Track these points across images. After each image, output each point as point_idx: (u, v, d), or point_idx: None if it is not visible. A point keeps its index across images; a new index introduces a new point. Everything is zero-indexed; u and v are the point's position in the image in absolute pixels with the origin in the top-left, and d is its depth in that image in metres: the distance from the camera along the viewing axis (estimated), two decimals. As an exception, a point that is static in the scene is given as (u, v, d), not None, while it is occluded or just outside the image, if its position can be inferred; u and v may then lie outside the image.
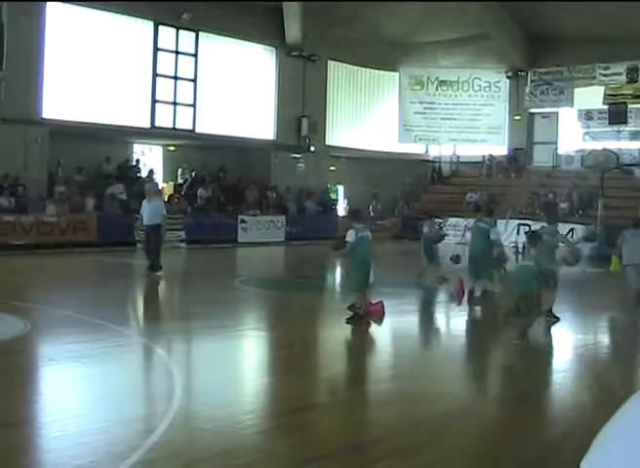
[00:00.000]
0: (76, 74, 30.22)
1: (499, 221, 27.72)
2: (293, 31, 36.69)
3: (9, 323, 12.84)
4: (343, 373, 10.79)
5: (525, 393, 9.80)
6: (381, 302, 14.40)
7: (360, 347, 12.89)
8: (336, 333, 13.82)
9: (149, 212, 20.66)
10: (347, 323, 13.53)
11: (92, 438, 7.33)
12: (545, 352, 12.93)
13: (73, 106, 30.13)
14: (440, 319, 16.62)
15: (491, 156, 42.90)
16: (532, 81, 41.36)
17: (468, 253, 18.02)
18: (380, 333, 14.08)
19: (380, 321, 14.11)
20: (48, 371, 10.31)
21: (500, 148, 43.07)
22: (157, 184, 21.87)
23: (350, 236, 13.88)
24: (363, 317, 13.79)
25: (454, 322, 16.01)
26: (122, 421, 7.95)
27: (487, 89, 43.04)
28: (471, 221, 19.75)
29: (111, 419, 8.00)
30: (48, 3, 29.24)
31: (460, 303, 16.96)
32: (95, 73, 30.78)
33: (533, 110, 42.29)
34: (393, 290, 17.76)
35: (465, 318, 16.12)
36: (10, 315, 13.46)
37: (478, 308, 16.69)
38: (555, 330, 14.04)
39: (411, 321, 15.72)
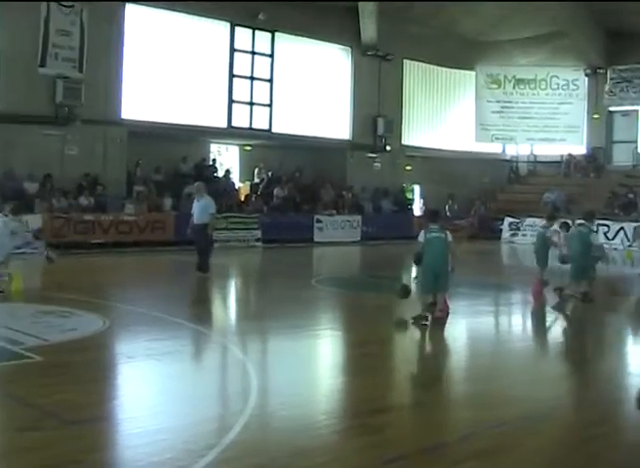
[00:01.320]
0: (154, 75, 30.61)
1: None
2: (368, 31, 36.61)
3: (88, 320, 13.04)
4: (420, 374, 10.71)
5: (607, 396, 9.62)
6: (446, 301, 14.30)
7: (436, 347, 12.80)
8: (411, 333, 13.73)
9: (199, 210, 20.40)
10: (412, 323, 13.44)
11: (169, 435, 7.38)
12: (628, 354, 12.71)
13: (151, 107, 30.52)
14: (518, 320, 16.40)
15: (569, 155, 42.27)
16: (611, 78, 40.68)
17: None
18: (457, 334, 13.96)
19: (444, 321, 14.01)
20: (126, 369, 10.43)
21: (578, 147, 42.42)
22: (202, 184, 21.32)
23: (421, 236, 13.83)
24: (433, 318, 13.65)
25: (534, 323, 15.78)
26: (198, 419, 7.99)
27: (565, 87, 42.46)
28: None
29: (188, 417, 8.05)
30: (127, 6, 29.64)
31: (537, 304, 16.78)
32: (172, 74, 31.15)
33: (612, 108, 41.58)
34: (469, 290, 17.60)
35: (550, 319, 15.92)
36: (89, 312, 13.66)
37: (570, 308, 16.44)
38: None
39: (488, 322, 15.55)
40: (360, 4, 35.35)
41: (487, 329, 14.87)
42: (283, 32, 34.76)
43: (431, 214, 15.43)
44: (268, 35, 34.41)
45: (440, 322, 13.81)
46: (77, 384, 9.13)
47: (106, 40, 28.87)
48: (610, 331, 14.71)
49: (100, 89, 28.50)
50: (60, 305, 14.28)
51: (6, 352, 10.52)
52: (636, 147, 40.77)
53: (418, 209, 40.20)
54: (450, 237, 14.06)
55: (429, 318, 13.60)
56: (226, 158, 36.48)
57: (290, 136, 34.94)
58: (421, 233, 13.93)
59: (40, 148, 27.36)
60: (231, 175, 34.42)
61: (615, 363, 11.86)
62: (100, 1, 28.24)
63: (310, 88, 35.99)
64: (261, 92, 34.38)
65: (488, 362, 11.66)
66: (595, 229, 19.45)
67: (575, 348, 13.20)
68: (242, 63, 33.68)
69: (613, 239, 32.58)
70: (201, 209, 20.32)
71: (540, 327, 15.29)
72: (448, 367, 11.35)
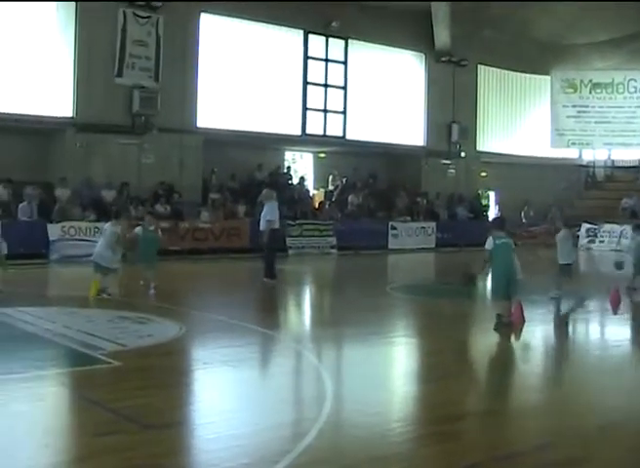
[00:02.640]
0: (229, 84, 30.89)
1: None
2: (442, 36, 36.48)
3: (165, 326, 13.18)
4: (494, 381, 10.60)
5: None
6: (521, 309, 14.16)
7: (511, 355, 12.65)
8: (486, 341, 13.60)
9: (261, 217, 20.58)
10: (494, 330, 13.35)
11: (244, 441, 7.41)
12: None
13: (226, 115, 30.80)
14: (595, 328, 16.14)
15: (648, 160, 41.57)
16: (691, 81, 39.93)
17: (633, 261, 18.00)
18: (532, 341, 13.80)
19: (520, 329, 13.88)
20: (202, 375, 10.51)
21: (657, 152, 41.71)
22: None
23: (488, 244, 13.87)
24: (508, 325, 13.56)
25: (609, 330, 15.52)
26: (273, 425, 8.00)
27: (643, 90, 41.77)
28: (627, 228, 19.28)
29: (262, 423, 8.07)
30: (202, 15, 29.99)
31: (616, 312, 16.54)
32: (247, 82, 31.40)
33: (692, 112, 40.81)
34: (545, 298, 17.39)
35: (624, 326, 15.66)
36: (166, 319, 13.81)
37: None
38: None
39: (563, 329, 15.33)
40: (433, 10, 35.22)
41: (563, 336, 14.66)
42: (356, 39, 34.83)
43: (498, 222, 15.50)
44: (342, 42, 34.50)
45: (514, 328, 13.69)
46: (155, 389, 9.23)
47: (181, 49, 29.27)
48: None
49: (176, 98, 28.88)
50: (137, 311, 14.49)
51: (85, 357, 10.69)
52: None
53: (493, 215, 39.86)
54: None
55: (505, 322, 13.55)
56: (301, 165, 36.63)
57: (364, 142, 34.96)
58: (489, 240, 13.88)
59: (117, 157, 27.83)
60: (305, 183, 34.58)
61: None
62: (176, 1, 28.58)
63: (384, 94, 35.97)
64: (335, 99, 34.46)
65: (563, 370, 11.50)
66: None
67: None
68: (316, 71, 33.82)
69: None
70: (262, 216, 20.48)
71: (618, 334, 15.02)
72: (523, 374, 11.21)
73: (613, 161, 43.33)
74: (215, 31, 30.66)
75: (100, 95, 27.33)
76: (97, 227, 25.18)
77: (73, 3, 27.08)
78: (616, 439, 7.90)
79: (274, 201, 20.82)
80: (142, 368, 10.35)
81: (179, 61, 29.18)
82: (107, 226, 17.09)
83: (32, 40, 26.46)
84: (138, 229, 18.08)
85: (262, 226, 20.29)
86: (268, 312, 15.94)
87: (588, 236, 36.62)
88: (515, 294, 13.87)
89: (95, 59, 27.31)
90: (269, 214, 20.34)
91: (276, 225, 20.43)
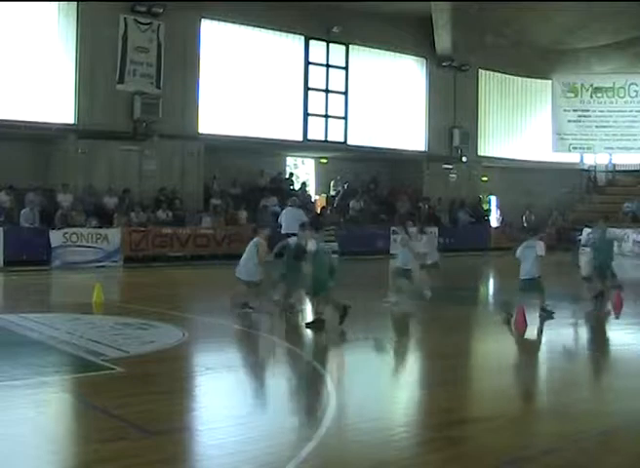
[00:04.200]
0: (230, 90, 30.91)
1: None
2: (443, 41, 36.50)
3: (167, 332, 13.18)
4: (498, 386, 10.58)
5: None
6: (524, 313, 14.22)
7: (514, 360, 12.63)
8: (490, 345, 13.62)
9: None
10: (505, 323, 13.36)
11: (247, 447, 7.40)
12: None
13: (228, 121, 30.83)
14: (599, 332, 16.11)
15: (649, 164, 41.59)
16: (692, 85, 39.96)
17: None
18: (537, 346, 13.80)
19: (522, 331, 13.95)
20: (205, 380, 10.50)
21: (659, 156, 41.73)
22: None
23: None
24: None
25: (616, 335, 15.48)
26: (276, 431, 8.00)
27: (644, 95, 41.79)
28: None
29: (266, 429, 8.06)
30: (203, 21, 30.03)
31: (618, 316, 16.54)
32: (248, 88, 31.45)
33: (694, 115, 40.83)
34: (549, 302, 17.35)
35: (632, 331, 15.65)
36: (168, 324, 13.81)
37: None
38: None
39: (568, 333, 15.31)
40: (434, 14, 35.24)
41: (567, 340, 14.64)
42: (357, 45, 34.88)
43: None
44: (343, 48, 34.54)
45: (518, 333, 13.76)
46: (158, 395, 9.23)
47: (183, 56, 29.32)
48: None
49: (177, 104, 28.93)
50: (139, 317, 14.48)
51: (88, 363, 10.70)
52: None
53: (495, 220, 39.87)
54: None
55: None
56: (302, 171, 36.67)
57: (365, 148, 34.99)
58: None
59: (119, 163, 27.88)
60: (307, 188, 34.59)
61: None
62: (180, 1, 28.60)
63: (385, 100, 35.99)
64: (337, 104, 34.50)
65: (569, 374, 11.48)
66: None
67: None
68: (317, 76, 33.86)
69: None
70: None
71: (622, 338, 15.00)
72: (528, 379, 11.19)
73: (614, 165, 43.34)
74: (216, 37, 30.70)
75: (101, 101, 27.38)
76: (99, 234, 25.26)
77: (75, 10, 27.11)
78: (621, 444, 7.89)
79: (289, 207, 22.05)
80: (145, 374, 10.35)
81: (180, 68, 29.23)
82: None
83: (34, 47, 26.51)
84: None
85: None
86: (270, 317, 15.91)
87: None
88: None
89: (96, 66, 27.37)
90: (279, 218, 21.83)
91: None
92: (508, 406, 9.37)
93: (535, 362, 12.58)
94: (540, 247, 15.44)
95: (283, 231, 21.86)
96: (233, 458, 7.06)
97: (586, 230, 36.65)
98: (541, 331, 14.81)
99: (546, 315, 15.41)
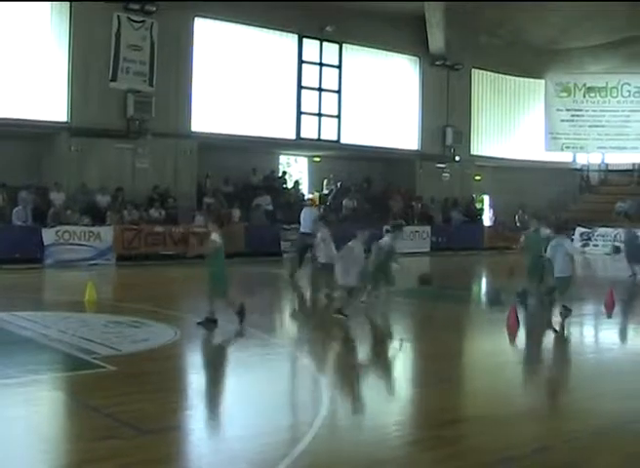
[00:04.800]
0: (223, 88, 30.90)
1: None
2: (436, 40, 36.52)
3: (160, 331, 13.16)
4: (491, 386, 10.58)
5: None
6: (516, 314, 14.24)
7: (508, 359, 12.63)
8: (483, 345, 13.63)
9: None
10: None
11: (240, 445, 7.40)
12: None
13: (221, 120, 30.80)
14: (590, 331, 16.13)
15: (642, 164, 41.68)
16: (685, 84, 40.05)
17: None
18: (529, 345, 13.82)
19: (514, 331, 13.98)
20: (198, 379, 10.50)
21: (651, 156, 41.82)
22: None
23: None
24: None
25: (608, 334, 15.50)
26: (269, 430, 7.99)
27: (637, 94, 41.93)
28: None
29: (259, 427, 8.05)
30: (196, 20, 29.99)
31: (610, 316, 16.58)
32: (241, 87, 31.42)
33: (686, 115, 40.93)
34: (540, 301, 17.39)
35: (623, 330, 15.69)
36: (161, 323, 13.80)
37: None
38: None
39: (559, 333, 15.33)
40: (427, 14, 35.24)
41: (559, 340, 14.66)
42: (350, 43, 34.87)
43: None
44: (336, 46, 34.54)
45: (510, 333, 13.81)
46: (150, 394, 9.21)
47: (176, 54, 29.28)
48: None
49: (171, 102, 28.91)
50: (132, 316, 14.45)
51: (80, 362, 10.68)
52: None
53: (488, 219, 39.90)
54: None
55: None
56: (295, 169, 36.66)
57: (358, 146, 34.97)
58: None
59: (112, 162, 27.83)
60: (300, 187, 34.57)
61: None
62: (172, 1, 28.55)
63: (378, 98, 35.99)
64: (330, 103, 34.49)
65: (560, 373, 11.50)
66: None
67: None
68: (310, 75, 33.85)
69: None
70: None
71: (615, 338, 15.02)
72: (518, 378, 11.20)
73: (607, 165, 43.42)
74: (209, 35, 30.68)
75: (94, 99, 27.33)
76: (91, 232, 25.21)
77: (67, 8, 27.07)
78: (612, 444, 7.90)
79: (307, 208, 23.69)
80: (138, 372, 10.33)
81: (173, 66, 29.19)
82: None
83: (27, 45, 26.45)
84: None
85: None
86: (264, 316, 15.90)
87: (582, 240, 36.66)
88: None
89: (89, 64, 27.31)
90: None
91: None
92: (501, 405, 9.37)
93: (528, 361, 12.59)
94: (569, 244, 15.82)
95: (301, 230, 22.87)
96: (225, 456, 7.07)
97: (579, 230, 36.91)
98: (564, 328, 14.98)
99: (567, 313, 15.56)
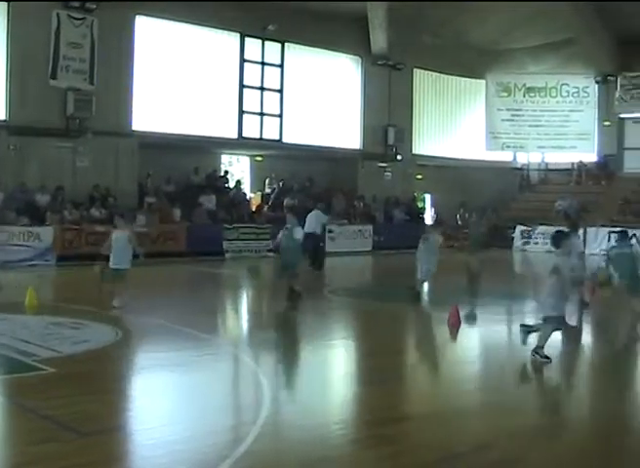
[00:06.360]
0: (165, 87, 30.69)
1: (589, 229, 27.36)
2: (378, 40, 36.62)
3: (101, 331, 13.05)
4: (435, 384, 10.66)
5: (633, 407, 9.58)
6: (457, 312, 14.36)
7: (449, 357, 12.72)
8: (425, 343, 13.72)
9: None
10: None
11: (182, 446, 7.36)
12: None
13: (162, 118, 30.58)
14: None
15: (580, 163, 42.18)
16: (621, 85, 40.66)
17: None
18: (470, 343, 13.94)
19: (456, 330, 14.10)
20: (139, 380, 10.42)
21: (589, 155, 42.37)
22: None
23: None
24: None
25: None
26: (212, 430, 7.96)
27: (575, 94, 42.43)
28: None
29: (201, 428, 8.02)
30: (137, 17, 29.74)
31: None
32: (183, 85, 31.21)
33: (623, 115, 41.54)
34: (483, 299, 17.54)
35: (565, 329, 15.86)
36: (102, 324, 13.66)
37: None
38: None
39: (501, 330, 15.47)
40: (370, 13, 35.35)
41: (500, 338, 14.79)
42: (293, 43, 34.83)
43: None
44: (278, 46, 34.48)
45: (453, 330, 13.88)
46: (91, 395, 9.12)
47: (117, 52, 28.98)
48: (626, 336, 14.66)
49: (111, 101, 28.60)
50: (73, 317, 14.29)
51: (19, 364, 10.53)
52: (648, 154, 40.68)
53: (429, 218, 40.12)
54: None
55: None
56: (237, 168, 36.54)
57: (300, 145, 34.96)
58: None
59: (52, 160, 27.47)
60: (242, 186, 34.48)
61: (635, 369, 11.80)
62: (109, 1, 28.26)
63: (321, 98, 36.02)
64: (272, 102, 34.43)
65: (501, 371, 11.60)
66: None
67: (590, 358, 13.14)
68: (252, 74, 33.75)
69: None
70: None
71: (555, 335, 15.16)
72: (461, 376, 11.27)
73: (547, 164, 43.89)
74: (151, 34, 30.40)
75: (33, 97, 26.94)
76: (30, 232, 24.88)
77: (4, 5, 26.66)
78: (554, 439, 7.99)
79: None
80: (78, 374, 10.22)
81: (114, 64, 28.88)
82: None
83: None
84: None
85: None
86: (206, 316, 15.84)
87: (523, 238, 37.08)
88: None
89: (28, 61, 26.92)
90: None
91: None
92: (444, 403, 9.44)
93: (470, 359, 12.68)
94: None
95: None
96: (167, 459, 7.02)
97: (519, 228, 37.30)
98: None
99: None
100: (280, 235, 18.15)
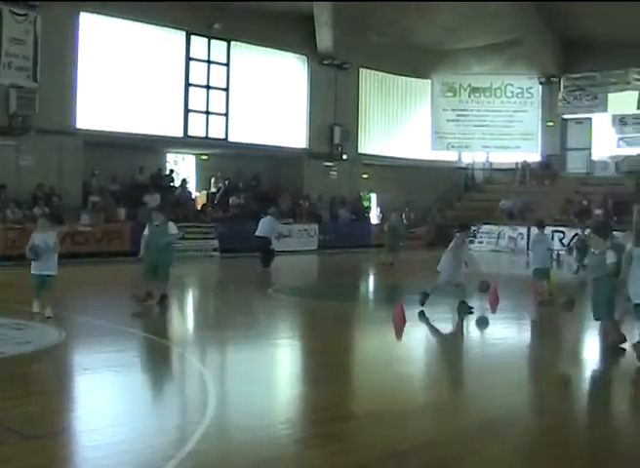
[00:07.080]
0: (110, 84, 30.46)
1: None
2: (324, 39, 36.71)
3: (44, 332, 12.89)
4: (380, 382, 10.70)
5: (572, 404, 9.71)
6: (402, 310, 14.47)
7: (394, 356, 12.78)
8: (371, 342, 13.77)
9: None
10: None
11: (126, 447, 7.32)
12: (596, 360, 12.79)
13: (107, 116, 30.36)
14: (475, 328, 16.42)
15: (524, 163, 42.68)
16: (565, 87, 41.21)
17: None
18: (416, 342, 14.02)
19: (401, 328, 14.19)
20: (83, 381, 10.32)
21: (533, 155, 42.95)
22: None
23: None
24: None
25: (493, 331, 15.80)
26: (156, 431, 7.93)
27: (520, 95, 42.94)
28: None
29: (146, 429, 7.99)
30: (82, 14, 29.45)
31: (494, 311, 16.96)
32: (128, 83, 31.03)
33: (566, 116, 42.13)
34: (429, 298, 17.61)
35: (510, 325, 16.02)
36: (45, 324, 13.51)
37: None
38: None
39: (446, 329, 15.60)
40: (316, 13, 35.40)
41: (445, 336, 14.91)
42: (239, 41, 34.77)
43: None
44: (224, 44, 34.40)
45: (396, 329, 13.96)
46: (34, 397, 9.03)
47: (60, 49, 28.67)
48: (566, 335, 14.86)
49: (55, 98, 28.28)
50: (15, 317, 14.10)
51: (-40, 365, 10.39)
52: (590, 155, 41.23)
53: (375, 217, 40.29)
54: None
55: None
56: (183, 167, 36.38)
57: (246, 144, 34.93)
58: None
59: (-6, 159, 27.13)
60: (188, 185, 34.33)
61: (574, 367, 11.94)
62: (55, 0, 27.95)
63: (267, 97, 36.02)
64: (218, 101, 34.35)
65: (446, 369, 11.69)
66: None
67: (536, 354, 13.29)
68: (198, 72, 33.65)
69: (568, 245, 32.81)
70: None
71: (499, 333, 15.33)
72: (406, 375, 11.32)
73: (491, 164, 44.32)
74: (95, 31, 30.12)
75: (-26, 94, 26.62)
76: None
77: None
78: (498, 435, 8.08)
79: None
80: (21, 375, 10.12)
81: (58, 61, 28.56)
82: None
83: None
84: None
85: None
86: (150, 316, 15.75)
87: (468, 237, 37.28)
88: None
89: (-31, 58, 26.57)
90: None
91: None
92: (389, 401, 9.47)
93: (416, 357, 12.76)
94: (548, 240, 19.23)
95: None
96: (112, 460, 6.97)
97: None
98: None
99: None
100: (146, 232, 16.96)
